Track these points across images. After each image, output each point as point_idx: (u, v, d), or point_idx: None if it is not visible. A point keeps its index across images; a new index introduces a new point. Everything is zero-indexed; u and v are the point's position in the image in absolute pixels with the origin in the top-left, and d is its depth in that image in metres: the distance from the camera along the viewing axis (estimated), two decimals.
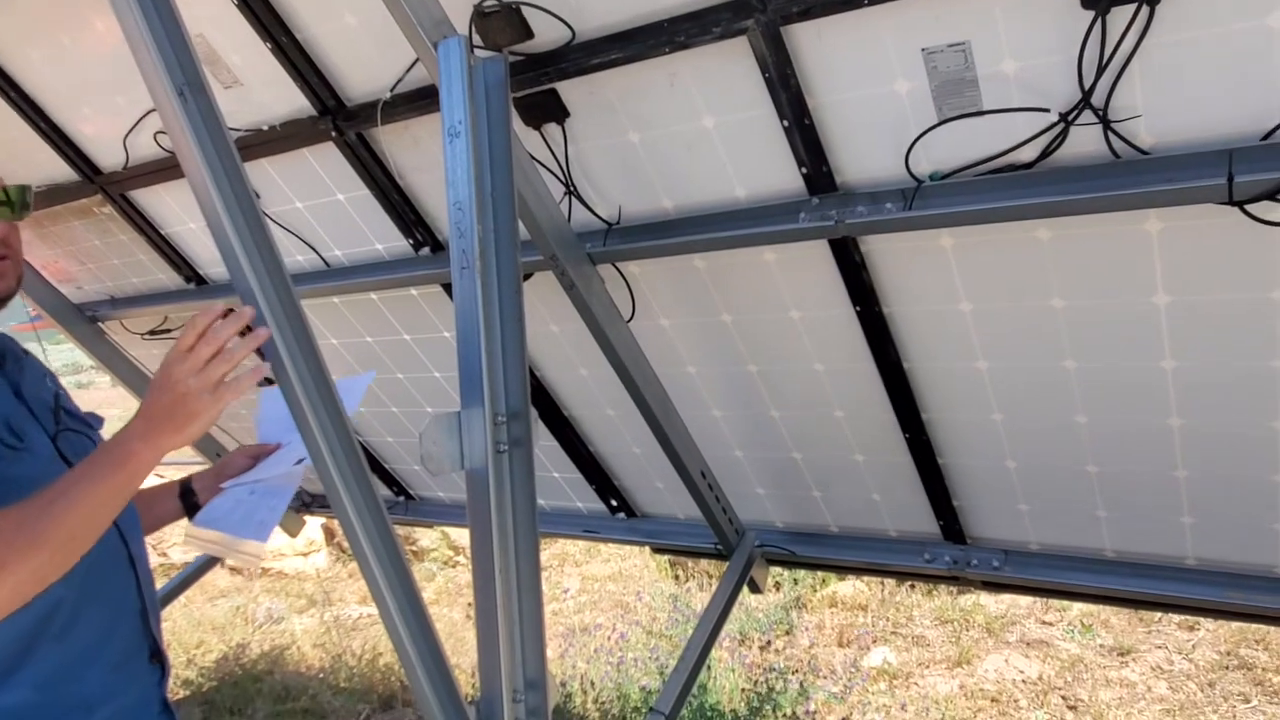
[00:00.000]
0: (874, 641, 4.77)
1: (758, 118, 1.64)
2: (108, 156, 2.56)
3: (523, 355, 1.53)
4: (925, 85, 1.46)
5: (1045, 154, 1.46)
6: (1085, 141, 1.42)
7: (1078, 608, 4.98)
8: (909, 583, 5.25)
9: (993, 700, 4.22)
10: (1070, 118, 1.39)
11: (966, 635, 4.83)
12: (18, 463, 1.23)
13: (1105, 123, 1.38)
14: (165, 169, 2.43)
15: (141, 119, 2.34)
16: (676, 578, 6.00)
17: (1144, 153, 1.39)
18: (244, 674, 4.77)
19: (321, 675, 4.70)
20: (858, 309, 1.85)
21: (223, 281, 2.88)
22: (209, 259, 2.85)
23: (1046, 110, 1.40)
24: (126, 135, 2.40)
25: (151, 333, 3.24)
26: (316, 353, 1.34)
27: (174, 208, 2.65)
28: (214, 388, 1.21)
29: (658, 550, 3.00)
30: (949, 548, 2.31)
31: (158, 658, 1.40)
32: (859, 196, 1.64)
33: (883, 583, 5.30)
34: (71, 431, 1.37)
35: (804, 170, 1.66)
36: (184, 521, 1.60)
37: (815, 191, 1.69)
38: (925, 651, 4.70)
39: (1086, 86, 1.34)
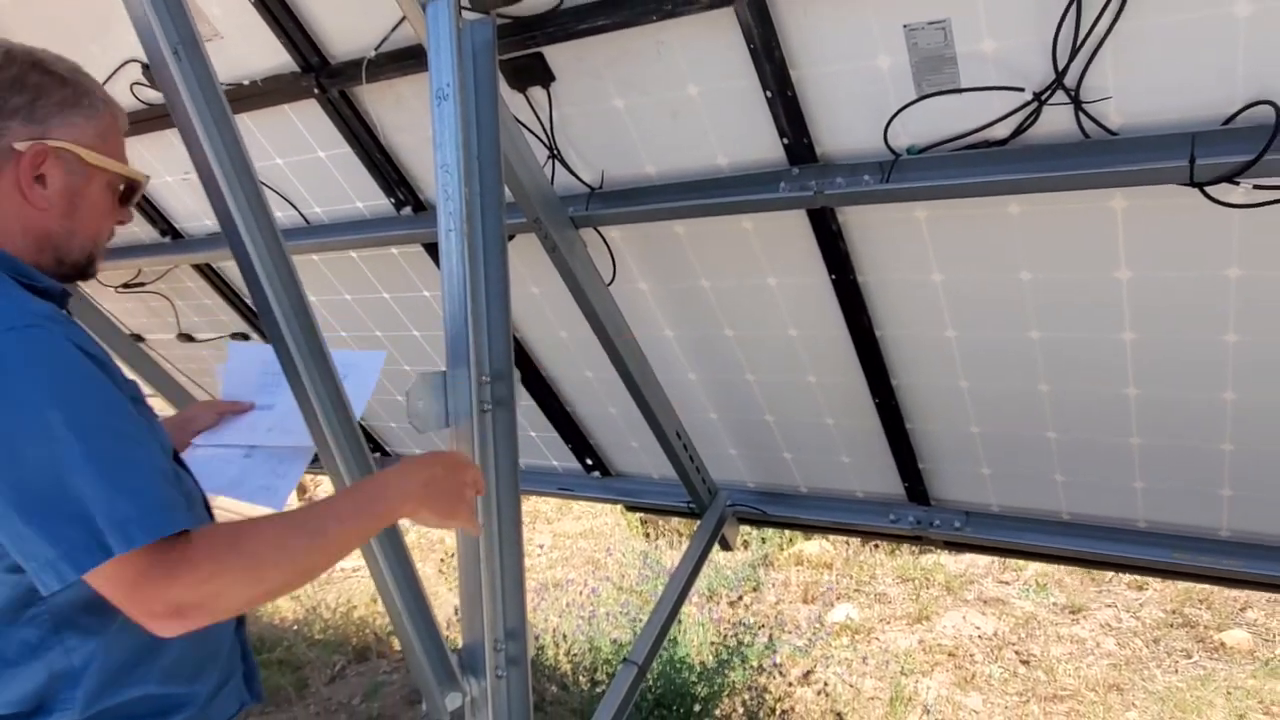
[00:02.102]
0: (837, 598, 4.92)
1: (742, 88, 1.67)
2: None
3: (507, 317, 1.56)
4: (906, 61, 1.50)
5: (1018, 132, 1.51)
6: (1057, 121, 1.47)
7: (1033, 568, 5.17)
8: (873, 543, 5.40)
9: (950, 654, 4.39)
10: (1044, 97, 1.44)
11: (926, 593, 5.00)
12: (157, 434, 1.23)
13: (1076, 103, 1.43)
14: (142, 120, 2.40)
15: (118, 69, 2.31)
16: (647, 535, 6.12)
17: (1112, 133, 1.45)
18: None
19: (296, 627, 4.76)
20: (833, 277, 1.90)
21: (200, 235, 2.87)
22: (184, 213, 2.83)
23: (1021, 90, 1.45)
24: (103, 85, 2.37)
25: (125, 285, 3.22)
26: (307, 307, 1.37)
27: (151, 161, 2.63)
28: (471, 509, 1.35)
29: (631, 508, 3.07)
30: (913, 509, 2.39)
31: None
32: (838, 168, 1.68)
33: (848, 542, 5.45)
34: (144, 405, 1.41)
35: (785, 141, 1.70)
36: None
37: (795, 162, 1.73)
38: (886, 608, 4.86)
39: (1060, 67, 1.39)
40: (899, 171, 1.62)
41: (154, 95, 2.35)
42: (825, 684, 3.94)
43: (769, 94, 1.63)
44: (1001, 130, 1.52)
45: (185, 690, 1.26)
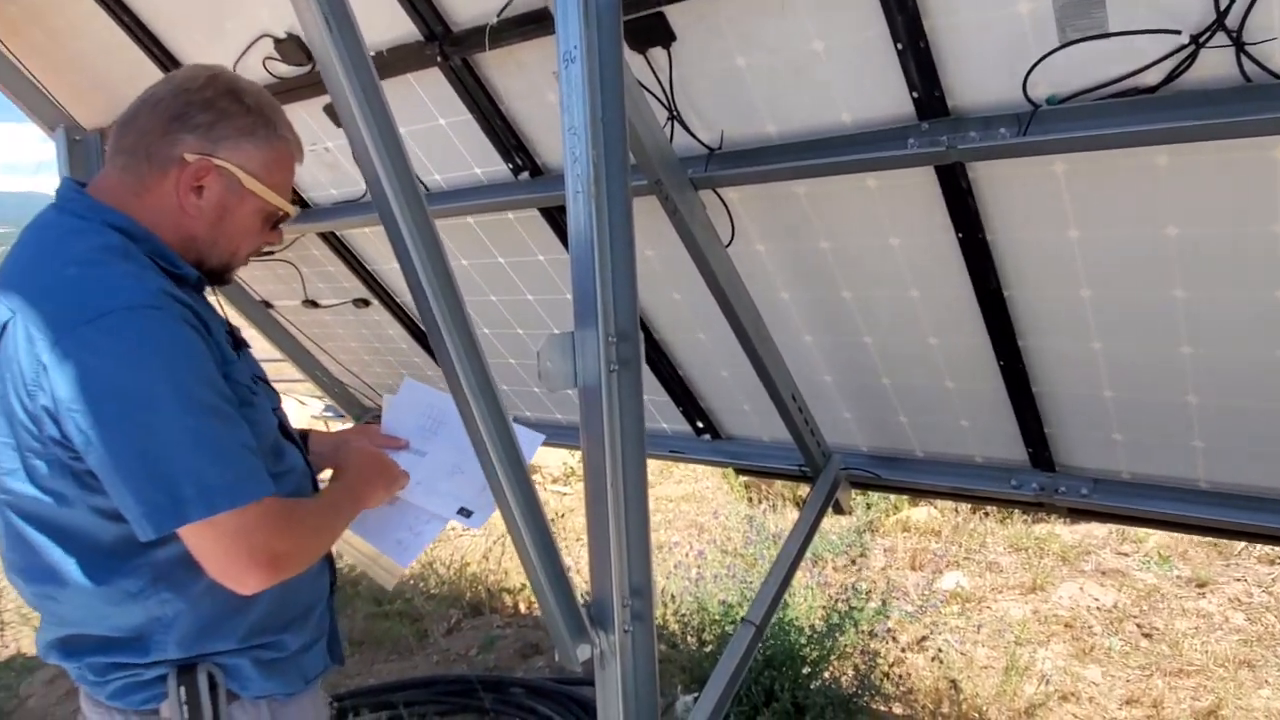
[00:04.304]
0: (947, 566, 4.84)
1: (870, 40, 1.62)
2: None
3: (633, 278, 1.58)
4: (1048, 5, 1.43)
5: (1171, 77, 1.42)
6: (1215, 65, 1.38)
7: (1155, 539, 4.96)
8: (983, 510, 5.28)
9: (1066, 625, 4.27)
10: (1201, 40, 1.35)
11: (1040, 563, 4.86)
12: (259, 407, 1.39)
13: (1238, 45, 1.34)
14: (275, 94, 2.49)
15: (252, 45, 2.41)
16: (750, 500, 6.13)
17: (1278, 76, 1.35)
18: (343, 579, 5.07)
19: (414, 581, 4.97)
20: (960, 235, 1.84)
21: (326, 204, 2.98)
22: (311, 183, 2.95)
23: (1177, 32, 1.36)
24: (236, 62, 2.48)
25: (256, 254, 3.38)
26: (448, 269, 1.40)
27: None
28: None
29: (741, 471, 3.07)
30: (1037, 474, 2.32)
31: (331, 569, 1.62)
32: (971, 121, 1.63)
33: (956, 509, 5.33)
34: (259, 380, 1.52)
35: (915, 94, 1.65)
36: None
37: (925, 116, 1.68)
38: (998, 577, 4.75)
39: (1221, 7, 1.30)
40: (1038, 123, 1.55)
41: (285, 70, 2.45)
42: (938, 650, 3.89)
43: (899, 46, 1.58)
44: (1152, 76, 1.44)
45: (272, 640, 1.41)
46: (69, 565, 1.28)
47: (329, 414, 4.49)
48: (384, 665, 4.20)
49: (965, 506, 5.25)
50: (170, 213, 1.35)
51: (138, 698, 1.35)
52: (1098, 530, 5.13)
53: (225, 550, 1.23)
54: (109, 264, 1.25)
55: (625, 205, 1.58)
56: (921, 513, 5.34)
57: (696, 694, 2.51)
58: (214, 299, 1.49)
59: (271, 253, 3.37)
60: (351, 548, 1.69)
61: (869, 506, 5.43)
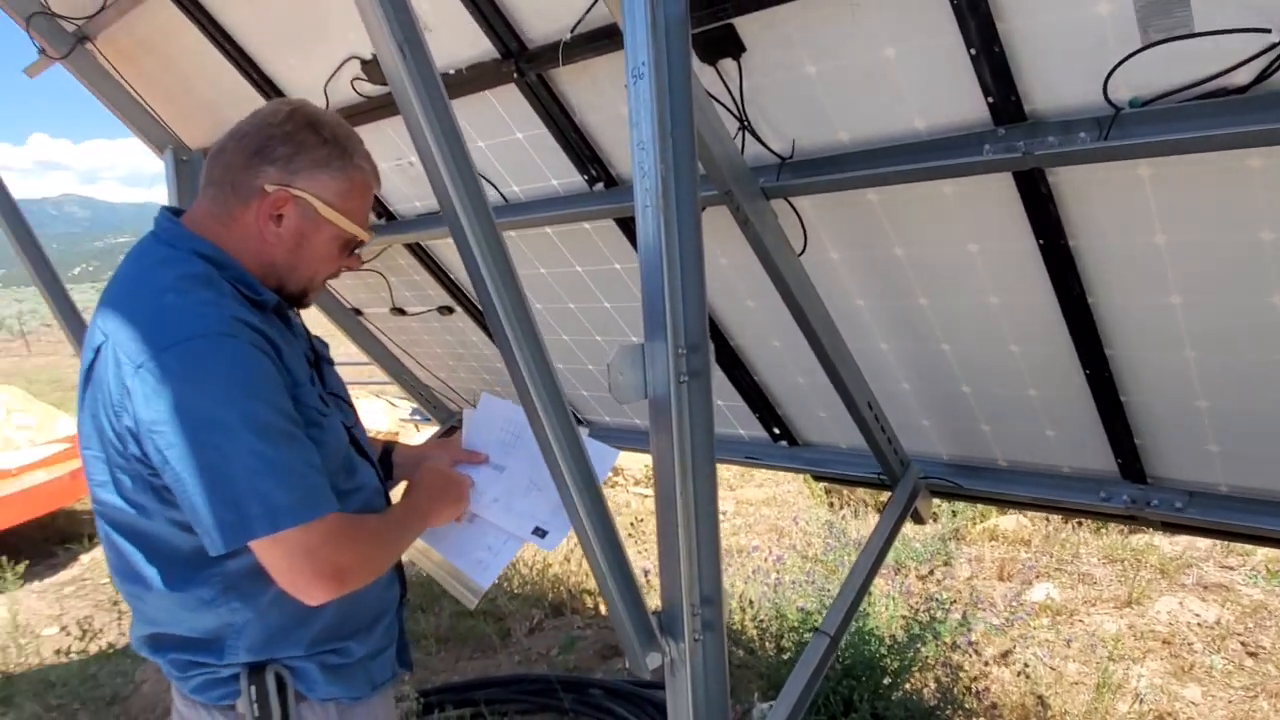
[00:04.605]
0: (1036, 577, 4.68)
1: (942, 45, 1.60)
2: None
3: (702, 290, 1.59)
4: (1129, 5, 1.39)
5: (1262, 77, 1.36)
6: None
7: (1263, 553, 4.70)
8: (1076, 520, 5.09)
9: (1164, 642, 4.09)
10: None
11: (1137, 576, 4.67)
12: (329, 429, 1.46)
13: None
14: (361, 113, 2.60)
15: (340, 67, 2.52)
16: (831, 505, 6.05)
17: None
18: (429, 578, 5.22)
19: (498, 582, 5.08)
20: (1041, 242, 1.80)
21: (411, 216, 3.08)
22: (398, 195, 3.05)
23: (1268, 31, 1.30)
24: (327, 83, 2.59)
25: (334, 276, 3.51)
26: (516, 280, 1.44)
27: (368, 148, 2.84)
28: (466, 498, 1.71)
29: (819, 478, 3.05)
30: (1128, 486, 2.24)
31: (401, 580, 1.68)
32: (1049, 126, 1.58)
33: (1047, 519, 5.16)
34: (335, 396, 1.60)
35: (990, 100, 1.62)
36: None
37: (1001, 121, 1.64)
38: (1092, 590, 4.57)
39: None
40: (1120, 127, 1.50)
41: (371, 89, 2.54)
42: (1025, 665, 3.77)
43: (972, 51, 1.55)
44: (1241, 76, 1.38)
45: (338, 646, 1.48)
46: (150, 571, 1.37)
47: (416, 417, 4.63)
48: (468, 663, 4.30)
49: (1057, 515, 5.07)
50: (252, 241, 1.44)
51: (215, 694, 1.44)
52: (1200, 542, 4.89)
53: (291, 564, 1.30)
54: (190, 292, 1.33)
55: (694, 218, 1.59)
56: (1010, 521, 5.18)
57: (773, 702, 2.50)
58: (298, 316, 1.58)
59: (361, 263, 3.49)
60: (434, 565, 1.72)
61: (954, 514, 5.30)
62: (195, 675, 1.45)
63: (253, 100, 2.86)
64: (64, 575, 6.15)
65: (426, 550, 1.72)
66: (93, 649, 4.67)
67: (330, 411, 1.48)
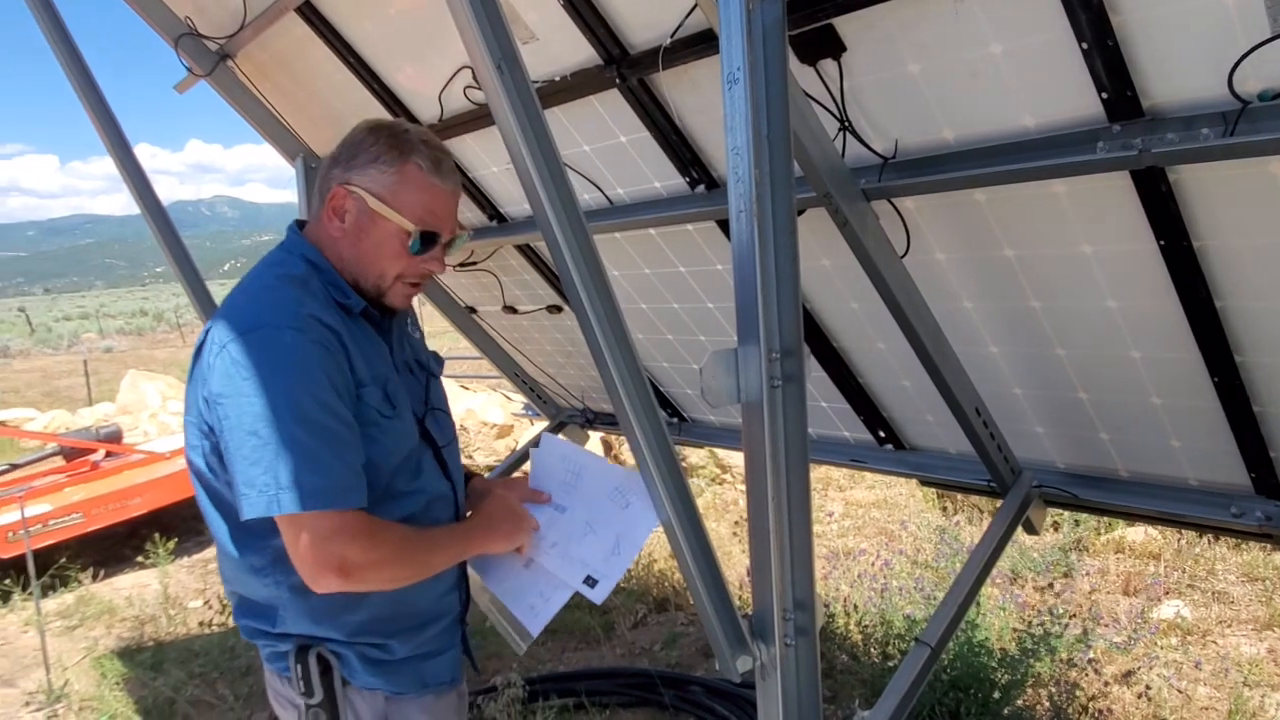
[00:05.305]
0: (1166, 593, 4.42)
1: (1052, 41, 1.54)
2: (425, 110, 2.89)
3: (796, 296, 1.58)
4: None
5: None
6: None
7: None
8: (1211, 534, 4.76)
9: None
10: None
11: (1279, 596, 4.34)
12: (390, 430, 1.53)
13: None
14: (473, 120, 2.70)
15: (453, 76, 2.61)
16: (944, 510, 5.87)
17: None
18: None
19: None
20: (1161, 243, 1.70)
21: (520, 218, 3.17)
22: (507, 198, 3.15)
23: None
24: (441, 91, 2.69)
25: (461, 265, 3.65)
26: (607, 284, 1.47)
27: (480, 154, 2.94)
28: (529, 529, 1.69)
29: (926, 483, 2.97)
30: (1262, 502, 2.09)
31: (463, 590, 1.74)
32: (1169, 122, 1.50)
33: (1180, 532, 4.85)
34: (439, 411, 1.68)
35: (1104, 95, 1.54)
36: None
37: (1116, 118, 1.56)
38: (1228, 609, 4.28)
39: None
40: (1247, 122, 1.41)
41: (482, 97, 2.63)
42: (1148, 687, 3.57)
43: (1084, 46, 1.49)
44: None
45: (379, 642, 1.56)
46: (221, 531, 1.52)
47: (528, 412, 4.76)
48: (573, 654, 4.40)
49: (1186, 530, 4.76)
50: (331, 241, 1.56)
51: (279, 665, 1.58)
52: None
53: (303, 547, 1.39)
54: (279, 289, 1.48)
55: (789, 222, 1.58)
56: (1138, 533, 4.90)
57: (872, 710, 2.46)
58: (416, 330, 1.70)
59: (474, 264, 3.62)
60: (490, 604, 1.73)
61: (1077, 524, 5.05)
62: (262, 645, 1.59)
63: (374, 109, 3.01)
64: (209, 553, 6.62)
65: (485, 589, 1.73)
66: (232, 623, 5.01)
67: (397, 415, 1.55)
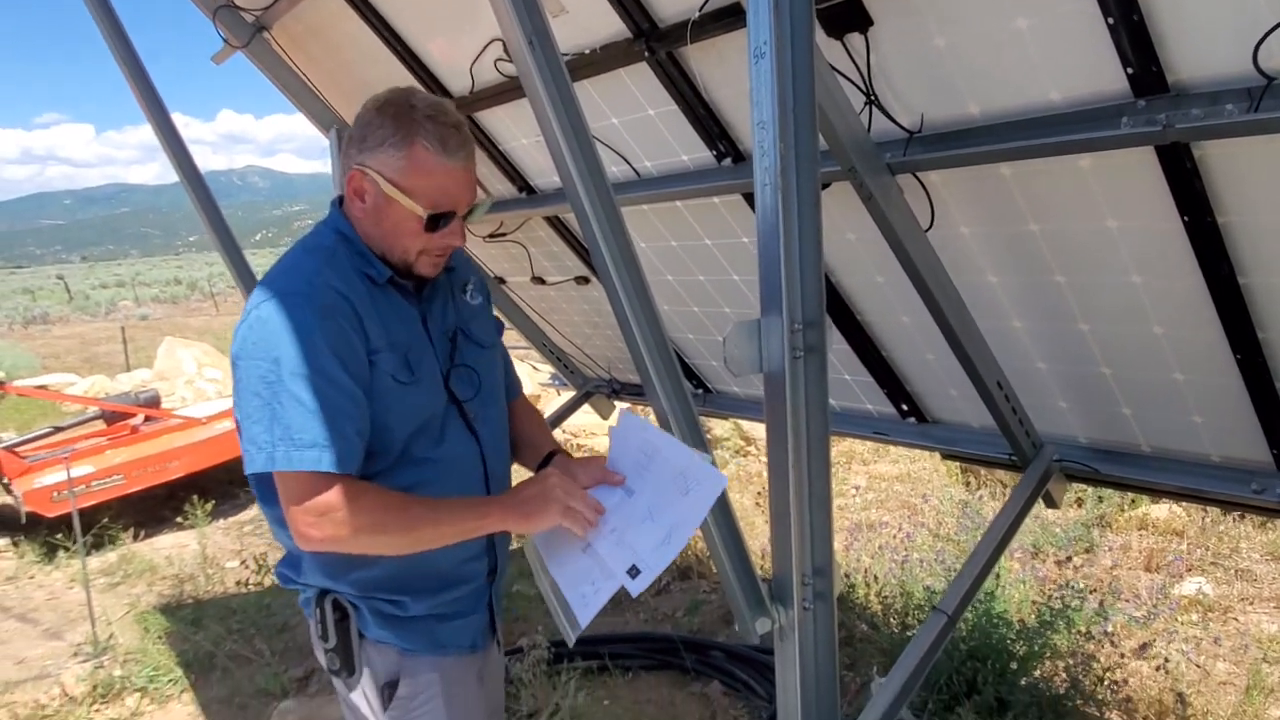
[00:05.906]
0: (1188, 570, 4.42)
1: (1078, 14, 1.54)
2: (456, 82, 2.93)
3: (819, 268, 1.61)
4: None
5: None
6: None
7: None
8: (1238, 512, 4.75)
9: None
10: None
11: None
12: (407, 396, 1.58)
13: None
14: (503, 92, 2.74)
15: (484, 49, 2.65)
16: (968, 484, 5.88)
17: None
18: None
19: None
20: (1186, 219, 1.71)
21: (550, 190, 3.21)
22: (536, 170, 3.19)
23: None
24: (472, 64, 2.73)
25: (491, 235, 3.70)
26: (634, 256, 1.51)
27: (510, 126, 2.98)
28: (564, 510, 1.55)
29: (948, 457, 2.99)
30: None
31: (492, 558, 1.76)
32: (1194, 98, 1.51)
33: (1204, 509, 4.84)
34: (464, 367, 1.69)
35: (1129, 70, 1.55)
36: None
37: (1141, 93, 1.57)
38: (1250, 586, 4.28)
39: None
40: (1272, 98, 1.41)
41: (512, 69, 2.66)
42: (1166, 660, 3.59)
43: (1110, 20, 1.49)
44: None
45: (391, 598, 1.62)
46: (256, 483, 1.60)
47: (555, 382, 4.83)
48: (597, 619, 4.47)
49: (1207, 506, 4.75)
50: (358, 220, 1.62)
51: (307, 610, 1.69)
52: None
53: (288, 502, 1.47)
54: (302, 260, 1.57)
55: (814, 196, 1.61)
56: (1162, 510, 4.89)
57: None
58: (457, 297, 1.76)
59: (504, 235, 3.67)
60: (549, 589, 1.67)
61: (1100, 499, 5.05)
62: (295, 589, 1.70)
63: (405, 81, 3.04)
64: (245, 515, 6.80)
65: (546, 572, 1.66)
66: (267, 582, 5.17)
67: (415, 381, 1.58)
